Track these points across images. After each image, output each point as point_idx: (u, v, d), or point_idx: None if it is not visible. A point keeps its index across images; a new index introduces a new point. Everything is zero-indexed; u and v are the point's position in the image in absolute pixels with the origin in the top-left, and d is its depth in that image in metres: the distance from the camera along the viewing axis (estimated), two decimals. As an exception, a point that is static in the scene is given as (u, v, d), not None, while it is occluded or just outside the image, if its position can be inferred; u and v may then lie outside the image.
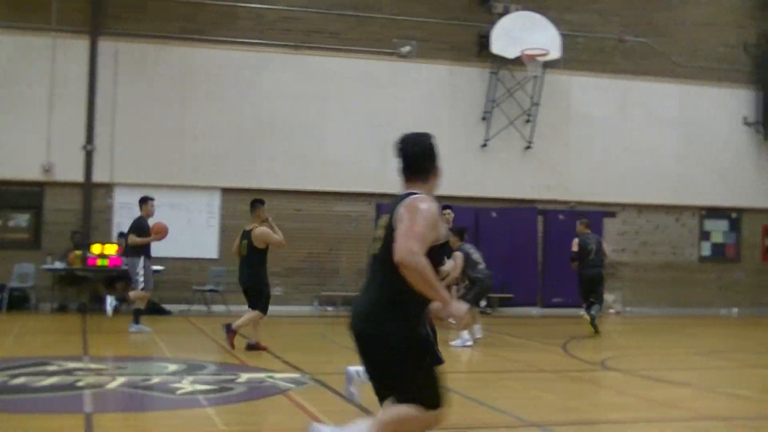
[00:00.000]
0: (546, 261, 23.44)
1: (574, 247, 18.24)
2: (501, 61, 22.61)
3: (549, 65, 22.85)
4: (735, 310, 24.31)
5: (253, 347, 14.02)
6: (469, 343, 16.02)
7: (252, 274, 14.16)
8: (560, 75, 23.61)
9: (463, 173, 22.86)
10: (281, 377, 11.40)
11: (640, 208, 24.26)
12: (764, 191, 25.43)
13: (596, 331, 17.47)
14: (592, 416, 9.62)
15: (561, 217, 23.49)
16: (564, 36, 22.90)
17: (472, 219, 22.61)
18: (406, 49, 22.59)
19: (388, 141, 22.39)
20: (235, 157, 21.61)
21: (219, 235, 21.53)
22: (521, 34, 22.17)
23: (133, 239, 16.45)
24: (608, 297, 23.56)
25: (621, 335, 19.17)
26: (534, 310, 22.89)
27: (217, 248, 21.48)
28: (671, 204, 24.55)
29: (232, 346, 13.87)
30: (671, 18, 24.95)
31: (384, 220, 5.59)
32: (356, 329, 5.59)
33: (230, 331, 13.95)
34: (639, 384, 12.15)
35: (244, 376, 11.40)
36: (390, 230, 5.40)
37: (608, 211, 24.04)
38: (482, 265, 16.02)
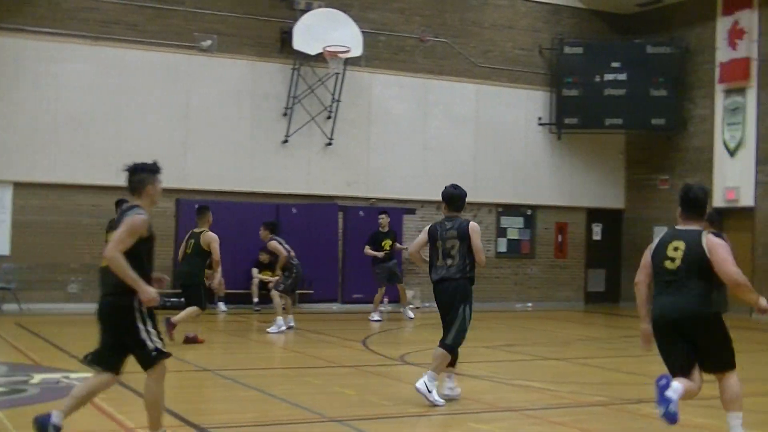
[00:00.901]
0: (346, 257, 23.60)
1: None
2: (303, 58, 22.61)
3: (350, 62, 23.00)
4: (529, 304, 25.06)
5: (191, 340, 14.72)
6: (284, 328, 16.60)
7: (191, 273, 15.01)
8: (361, 72, 23.81)
9: (264, 169, 22.78)
10: (77, 377, 11.09)
11: (439, 205, 24.55)
12: (557, 189, 26.35)
13: None
14: (391, 410, 9.74)
15: (361, 213, 23.69)
16: (365, 34, 23.09)
17: (272, 215, 22.50)
18: (207, 43, 22.32)
19: (189, 135, 22.10)
20: (30, 150, 20.80)
21: (10, 231, 20.71)
22: (323, 31, 22.21)
23: None
24: (408, 293, 23.91)
25: (420, 330, 19.48)
26: (334, 306, 23.02)
27: (8, 245, 20.67)
28: (469, 201, 24.97)
29: (172, 338, 14.13)
30: (470, 20, 25.51)
31: (678, 245, 8.02)
32: (686, 318, 7.89)
33: (170, 325, 14.34)
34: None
35: (38, 377, 11.06)
36: (694, 255, 7.89)
37: (408, 207, 24.41)
38: (293, 253, 17.35)
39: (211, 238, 14.93)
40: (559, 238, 26.61)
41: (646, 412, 9.87)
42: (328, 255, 23.26)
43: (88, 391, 7.49)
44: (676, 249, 8.03)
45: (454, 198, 11.22)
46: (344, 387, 11.13)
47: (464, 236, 10.51)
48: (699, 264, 7.88)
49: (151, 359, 7.41)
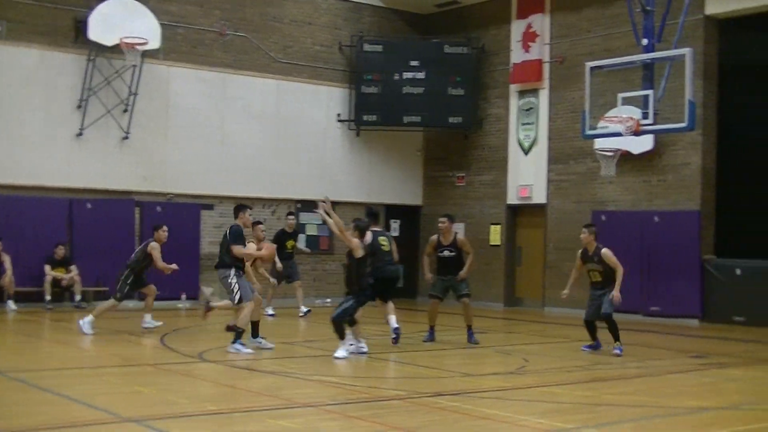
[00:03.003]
0: (144, 253, 23.11)
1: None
2: (99, 49, 22.01)
3: (148, 55, 22.54)
4: (328, 300, 25.12)
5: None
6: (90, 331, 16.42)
7: None
8: (159, 65, 23.38)
9: (57, 163, 22.07)
10: None
11: (238, 201, 24.49)
12: (356, 185, 26.57)
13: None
14: (189, 408, 9.59)
15: (158, 209, 23.27)
16: (164, 26, 22.67)
17: (65, 210, 21.92)
18: (-4, 30, 21.51)
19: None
20: None
21: None
22: (120, 22, 21.64)
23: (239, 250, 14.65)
24: (206, 290, 23.60)
25: (219, 327, 19.30)
26: (131, 303, 22.50)
27: None
28: (268, 197, 25.02)
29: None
30: (270, 15, 25.41)
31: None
32: None
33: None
34: (236, 375, 12.30)
35: None
36: None
37: (206, 203, 24.13)
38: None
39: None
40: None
41: (443, 405, 10.06)
42: (123, 251, 22.64)
43: None
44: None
45: None
46: (142, 386, 10.91)
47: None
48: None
49: None
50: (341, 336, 13.88)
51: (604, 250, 15.05)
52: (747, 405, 10.69)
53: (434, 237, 16.71)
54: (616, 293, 14.75)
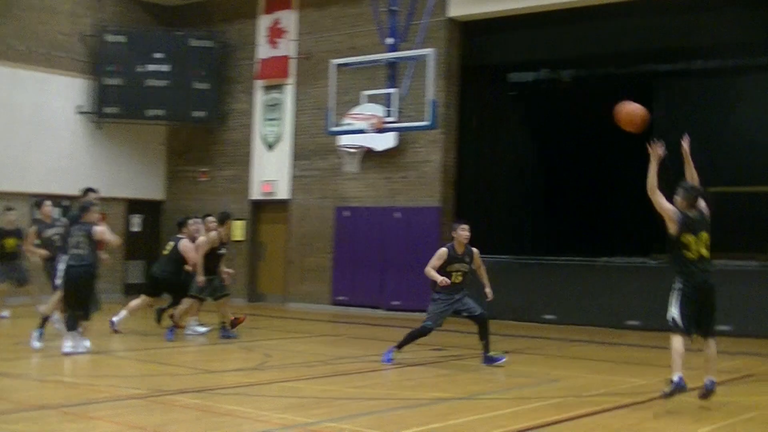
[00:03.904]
0: None
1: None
2: None
3: None
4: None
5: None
6: None
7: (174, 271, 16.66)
8: None
9: None
10: None
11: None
12: (97, 179, 25.65)
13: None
14: None
15: None
16: None
17: None
18: None
19: None
20: None
21: None
22: None
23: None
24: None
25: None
26: None
27: None
28: (2, 191, 23.94)
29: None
30: (5, 0, 24.37)
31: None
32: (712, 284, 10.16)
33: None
34: None
35: None
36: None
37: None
38: None
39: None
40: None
41: (184, 402, 9.94)
42: None
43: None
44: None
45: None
46: None
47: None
48: None
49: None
50: (71, 326, 13.57)
51: (476, 249, 14.12)
52: (482, 394, 11.06)
53: (214, 234, 16.28)
54: (490, 290, 13.97)
